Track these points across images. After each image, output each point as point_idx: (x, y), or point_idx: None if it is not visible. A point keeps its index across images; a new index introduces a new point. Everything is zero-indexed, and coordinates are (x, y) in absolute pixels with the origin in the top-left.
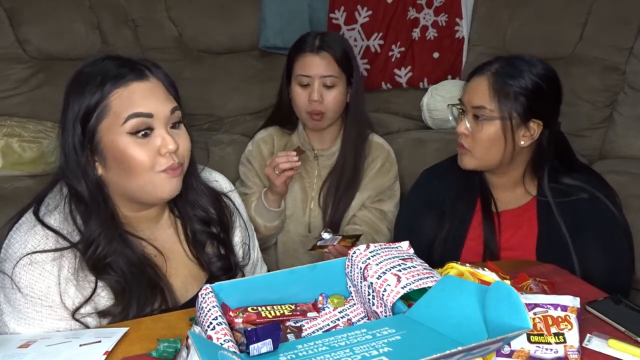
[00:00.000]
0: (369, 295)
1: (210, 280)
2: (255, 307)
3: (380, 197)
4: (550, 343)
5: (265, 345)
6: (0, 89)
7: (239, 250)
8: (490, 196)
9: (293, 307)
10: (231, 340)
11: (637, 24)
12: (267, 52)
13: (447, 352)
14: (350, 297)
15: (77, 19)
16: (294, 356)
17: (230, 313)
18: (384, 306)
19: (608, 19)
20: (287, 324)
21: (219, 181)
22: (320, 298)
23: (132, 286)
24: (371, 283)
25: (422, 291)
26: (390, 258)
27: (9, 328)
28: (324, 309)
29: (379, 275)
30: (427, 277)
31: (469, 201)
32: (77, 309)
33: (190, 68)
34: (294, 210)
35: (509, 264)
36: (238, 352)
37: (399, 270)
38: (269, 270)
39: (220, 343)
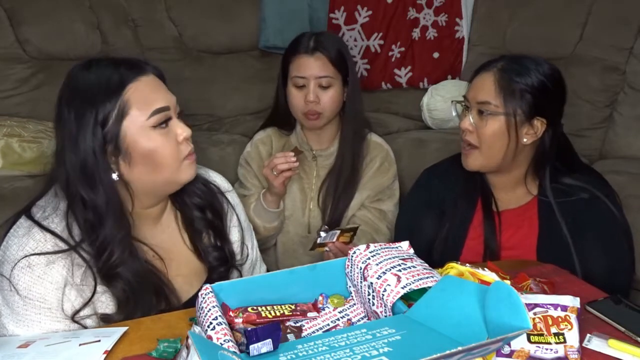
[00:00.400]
0: (369, 295)
1: (209, 272)
2: (255, 307)
3: (379, 197)
4: (550, 343)
5: (265, 345)
6: (0, 89)
7: (236, 249)
8: (491, 195)
9: (293, 307)
10: (231, 340)
11: (637, 24)
12: (267, 52)
13: (447, 352)
14: (350, 297)
15: (77, 19)
16: (294, 356)
17: (230, 313)
18: (384, 306)
19: (608, 19)
20: (287, 324)
21: (217, 181)
22: (320, 298)
23: (137, 296)
24: (371, 283)
25: (422, 291)
26: (390, 258)
27: (8, 330)
28: (324, 309)
29: (379, 275)
30: (427, 277)
31: (469, 200)
32: (77, 311)
33: (190, 68)
34: (293, 211)
35: (509, 264)
36: (238, 352)
37: (399, 270)
38: (268, 271)
39: (220, 343)
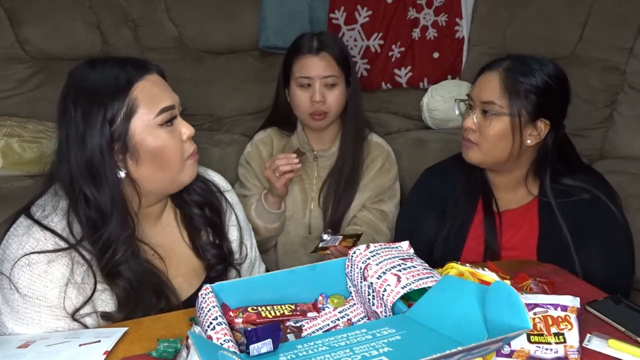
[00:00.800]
0: (369, 295)
1: (208, 270)
2: (255, 307)
3: (380, 198)
4: (550, 343)
5: (265, 345)
6: (0, 89)
7: (235, 248)
8: (492, 196)
9: (293, 307)
10: (231, 340)
11: (637, 24)
12: (267, 52)
13: (447, 352)
14: (350, 297)
15: (77, 19)
16: (294, 356)
17: (230, 313)
18: (384, 306)
19: (608, 19)
20: (287, 324)
21: (216, 180)
22: (320, 298)
23: (138, 295)
24: (371, 283)
25: (422, 291)
26: (390, 258)
27: (7, 328)
28: (324, 309)
29: (379, 275)
30: (427, 277)
31: (470, 200)
32: (77, 310)
33: (190, 68)
34: (294, 212)
35: (509, 264)
36: (238, 352)
37: (399, 270)
38: (268, 271)
39: (220, 343)
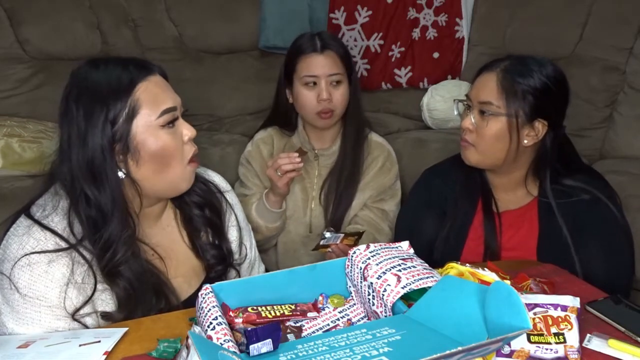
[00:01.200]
0: (369, 295)
1: (207, 271)
2: (255, 307)
3: (381, 197)
4: (550, 343)
5: (265, 345)
6: (0, 89)
7: (235, 248)
8: (492, 196)
9: (293, 307)
10: (231, 340)
11: (637, 24)
12: (267, 52)
13: (447, 352)
14: (350, 297)
15: (77, 19)
16: (294, 356)
17: (230, 313)
18: (384, 306)
19: (608, 19)
20: (287, 324)
21: (216, 181)
22: (320, 298)
23: (138, 295)
24: (371, 283)
25: (422, 291)
26: (390, 258)
27: (7, 328)
28: (324, 309)
29: (379, 275)
30: (427, 277)
31: (470, 201)
32: (77, 310)
33: (190, 68)
34: (295, 211)
35: (509, 264)
36: (238, 352)
37: (399, 270)
38: (268, 271)
39: (220, 343)
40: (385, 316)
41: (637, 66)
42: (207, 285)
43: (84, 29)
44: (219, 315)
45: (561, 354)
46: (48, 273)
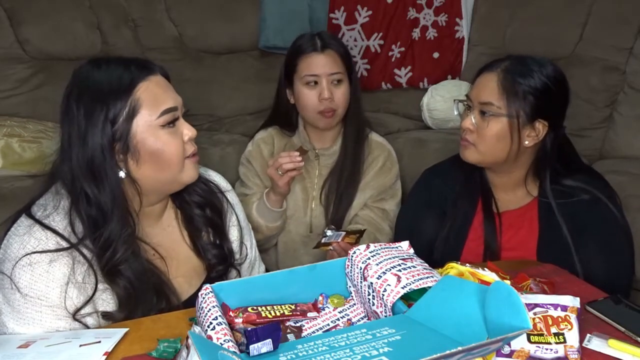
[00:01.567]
0: (369, 295)
1: (208, 270)
2: (255, 307)
3: (382, 196)
4: (550, 343)
5: (265, 345)
6: (0, 89)
7: (235, 248)
8: (492, 196)
9: (293, 307)
10: (231, 340)
11: (637, 24)
12: (267, 52)
13: (447, 352)
14: (350, 297)
15: (77, 19)
16: (294, 356)
17: (230, 313)
18: (384, 306)
19: (608, 19)
20: (287, 324)
21: (216, 180)
22: (320, 298)
23: (138, 295)
24: (371, 283)
25: (422, 291)
26: (390, 258)
27: (8, 328)
28: (324, 309)
29: (379, 275)
30: (427, 277)
31: (470, 201)
32: (78, 309)
33: (190, 68)
34: (295, 211)
35: (509, 264)
36: (238, 352)
37: (399, 270)
38: (268, 271)
39: (220, 343)
40: (385, 316)
41: (637, 66)
42: (207, 285)
43: (84, 29)
44: (219, 315)
45: (561, 354)
46: (49, 273)
